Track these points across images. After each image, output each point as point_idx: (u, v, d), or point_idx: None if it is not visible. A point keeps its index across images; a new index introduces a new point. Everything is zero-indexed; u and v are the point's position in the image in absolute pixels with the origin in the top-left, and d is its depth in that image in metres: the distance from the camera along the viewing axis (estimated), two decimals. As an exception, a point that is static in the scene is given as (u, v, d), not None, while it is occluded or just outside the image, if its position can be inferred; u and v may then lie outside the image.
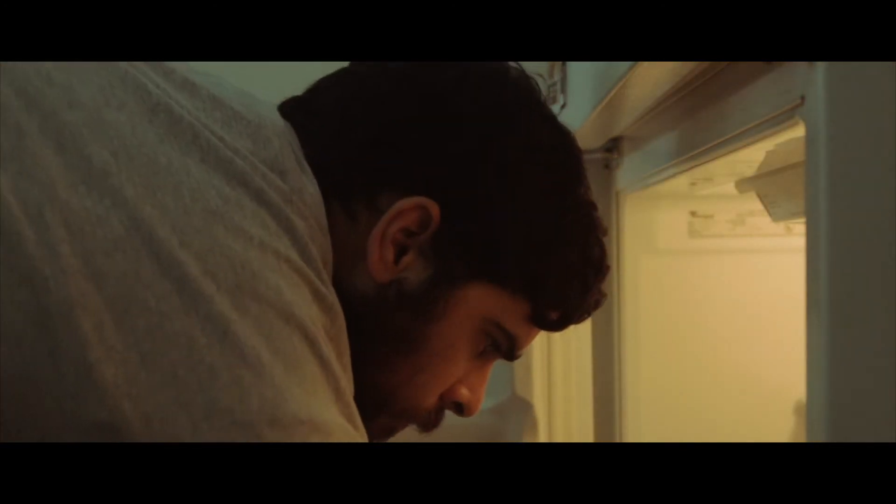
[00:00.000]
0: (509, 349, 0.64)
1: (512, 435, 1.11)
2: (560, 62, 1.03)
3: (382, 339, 0.59)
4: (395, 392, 0.62)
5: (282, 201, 0.52)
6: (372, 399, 0.58)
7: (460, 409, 0.66)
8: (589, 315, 0.66)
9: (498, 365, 1.09)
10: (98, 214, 0.46)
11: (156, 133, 0.50)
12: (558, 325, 0.65)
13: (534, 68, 1.14)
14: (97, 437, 0.45)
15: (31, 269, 0.45)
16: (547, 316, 0.63)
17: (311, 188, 0.55)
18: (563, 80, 1.02)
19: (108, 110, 0.50)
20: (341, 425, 0.51)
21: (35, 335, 0.44)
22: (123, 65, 0.53)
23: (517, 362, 1.04)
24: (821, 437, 0.48)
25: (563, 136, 0.64)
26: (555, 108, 1.06)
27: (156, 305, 0.46)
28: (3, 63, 0.49)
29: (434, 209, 0.58)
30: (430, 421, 0.65)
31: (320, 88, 0.64)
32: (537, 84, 0.64)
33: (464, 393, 0.65)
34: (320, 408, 0.50)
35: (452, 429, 1.14)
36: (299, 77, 0.69)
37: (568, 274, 0.63)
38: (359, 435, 0.53)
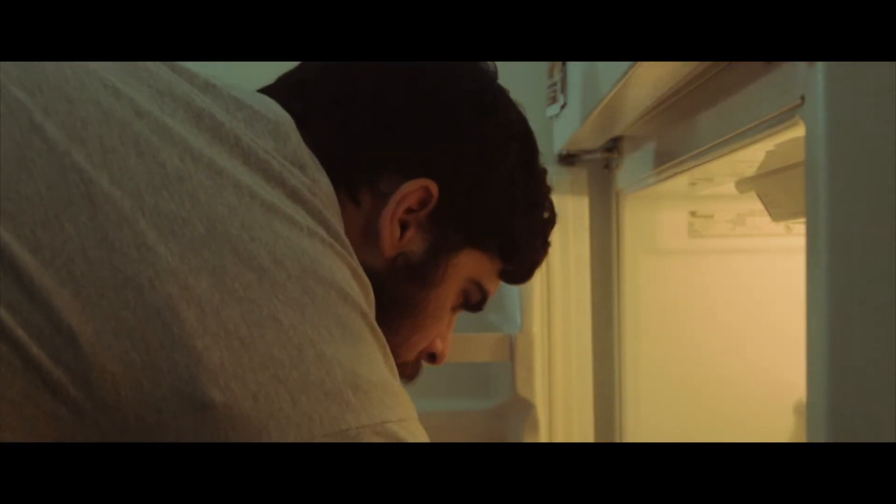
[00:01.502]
0: (480, 302, 0.73)
1: (513, 435, 1.11)
2: (560, 62, 1.03)
3: (390, 306, 0.64)
4: (395, 351, 0.68)
5: (310, 195, 0.57)
6: None
7: (434, 358, 0.74)
8: (539, 265, 0.77)
9: (499, 366, 1.09)
10: (182, 217, 0.50)
11: (205, 138, 0.54)
12: (523, 278, 0.76)
13: (534, 68, 1.15)
14: (211, 416, 0.48)
15: (134, 271, 0.49)
16: (515, 271, 0.74)
17: (324, 179, 0.60)
18: (563, 80, 1.02)
19: (165, 118, 0.54)
20: (398, 386, 0.57)
21: (146, 329, 0.48)
22: (165, 74, 0.57)
23: (518, 363, 1.04)
24: (821, 437, 0.48)
25: (523, 116, 0.72)
26: (554, 108, 1.06)
27: (244, 294, 0.50)
28: (73, 78, 0.53)
29: (434, 189, 0.65)
30: (414, 372, 0.74)
31: (307, 81, 0.68)
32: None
33: (438, 344, 0.73)
34: (383, 372, 0.55)
35: (454, 429, 1.14)
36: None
37: (535, 233, 0.74)
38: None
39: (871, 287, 0.47)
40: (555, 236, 1.14)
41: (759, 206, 0.86)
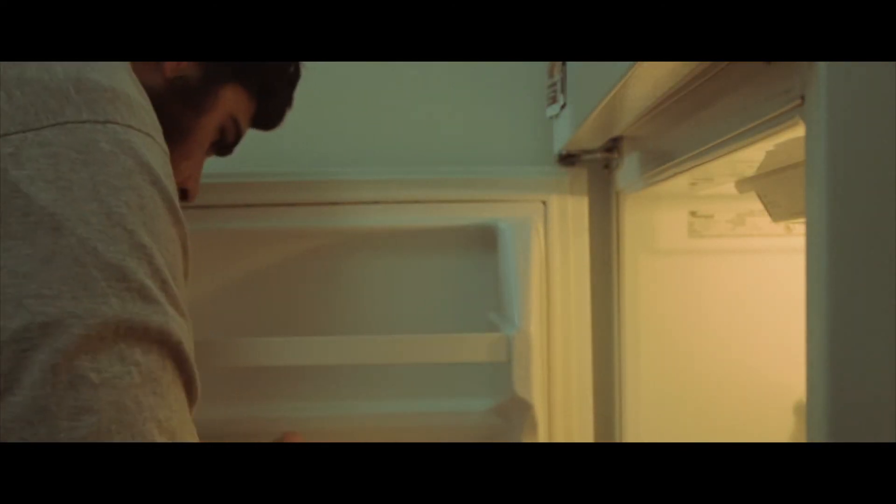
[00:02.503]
0: (234, 143, 0.84)
1: (512, 435, 1.11)
2: (560, 62, 1.02)
3: (166, 128, 0.65)
4: None
5: None
6: None
7: (186, 194, 0.81)
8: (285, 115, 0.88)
9: (497, 366, 1.09)
10: None
11: None
12: (269, 125, 0.87)
13: (534, 68, 1.15)
14: None
15: None
16: (265, 115, 0.85)
17: None
18: (563, 80, 1.02)
19: None
20: (145, 106, 0.58)
21: None
22: None
23: (517, 363, 1.04)
24: (821, 437, 0.48)
25: None
26: (554, 108, 1.06)
27: None
28: None
29: None
30: None
31: None
32: None
33: (191, 183, 0.81)
34: (121, 84, 0.56)
35: (454, 429, 1.14)
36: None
37: (288, 82, 0.86)
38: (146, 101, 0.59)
39: (871, 287, 0.47)
40: (555, 236, 1.14)
41: (759, 206, 0.86)
